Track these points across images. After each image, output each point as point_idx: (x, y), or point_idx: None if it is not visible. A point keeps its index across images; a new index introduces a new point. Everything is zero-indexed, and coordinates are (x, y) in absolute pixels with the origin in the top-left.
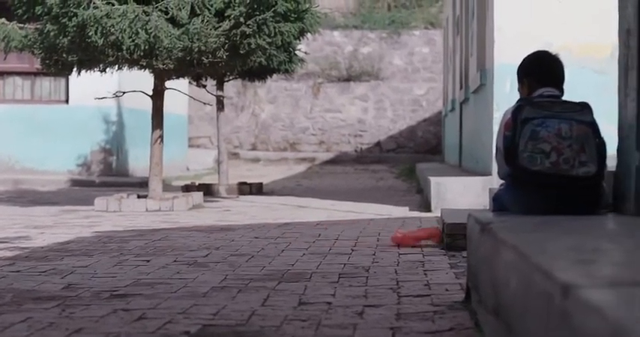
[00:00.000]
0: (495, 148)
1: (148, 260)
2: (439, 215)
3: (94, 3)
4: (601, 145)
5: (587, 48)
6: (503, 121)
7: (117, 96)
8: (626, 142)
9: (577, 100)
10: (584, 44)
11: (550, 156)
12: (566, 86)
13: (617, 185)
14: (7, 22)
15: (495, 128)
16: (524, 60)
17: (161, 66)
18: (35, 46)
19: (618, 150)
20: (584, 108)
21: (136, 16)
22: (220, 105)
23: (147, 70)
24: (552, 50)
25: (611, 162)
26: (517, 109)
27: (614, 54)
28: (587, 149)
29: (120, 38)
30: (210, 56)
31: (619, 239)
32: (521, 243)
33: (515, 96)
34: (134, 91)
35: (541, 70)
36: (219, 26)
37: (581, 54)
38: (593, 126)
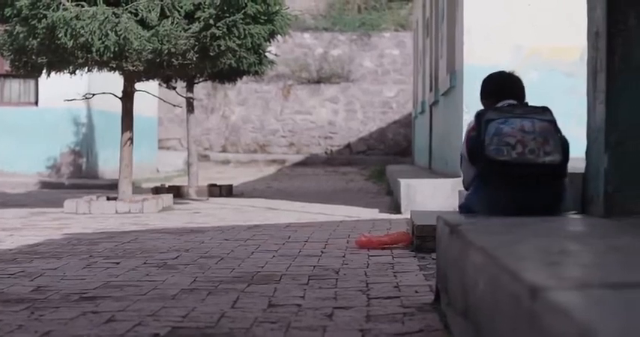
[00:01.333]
0: (461, 156)
1: (118, 263)
2: (409, 217)
3: (63, 5)
4: (564, 140)
5: (557, 50)
6: (468, 130)
7: (86, 98)
8: (594, 145)
9: (546, 103)
10: (553, 47)
11: (516, 147)
12: (536, 88)
13: (586, 187)
14: None
15: (465, 130)
16: (482, 84)
17: (131, 68)
18: (4, 48)
19: (587, 153)
20: (545, 110)
21: (106, 18)
22: (190, 107)
23: (116, 71)
24: (522, 53)
25: (580, 164)
26: (480, 114)
27: (583, 57)
28: (551, 141)
29: (89, 40)
30: (180, 58)
31: (587, 241)
32: (490, 245)
33: None
34: (104, 93)
35: (499, 90)
36: (189, 28)
37: (550, 56)
38: (555, 125)
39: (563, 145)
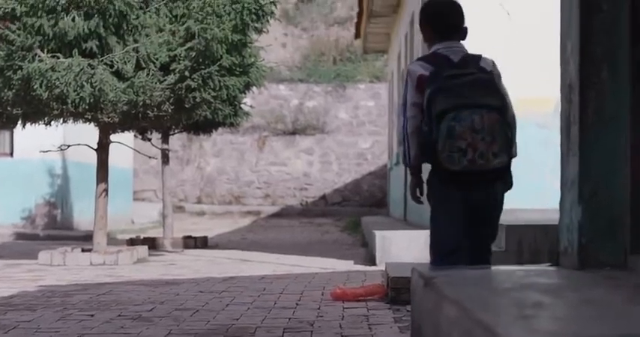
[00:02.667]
0: (405, 102)
1: (92, 315)
2: (384, 269)
3: (39, 56)
4: (510, 128)
5: (531, 102)
6: (413, 79)
7: (62, 149)
8: (568, 196)
9: (520, 154)
10: (527, 98)
11: (467, 153)
12: None
13: (560, 239)
14: None
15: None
16: (427, 14)
17: (106, 119)
18: None
19: (561, 204)
20: (489, 88)
21: (81, 70)
22: (165, 158)
23: (92, 123)
24: None
25: (554, 216)
26: (430, 97)
27: (557, 108)
28: (498, 139)
29: (65, 91)
30: (155, 109)
31: (561, 293)
32: (464, 298)
33: None
34: (79, 145)
35: (441, 25)
36: (165, 80)
37: (524, 108)
38: (501, 111)
39: (510, 138)
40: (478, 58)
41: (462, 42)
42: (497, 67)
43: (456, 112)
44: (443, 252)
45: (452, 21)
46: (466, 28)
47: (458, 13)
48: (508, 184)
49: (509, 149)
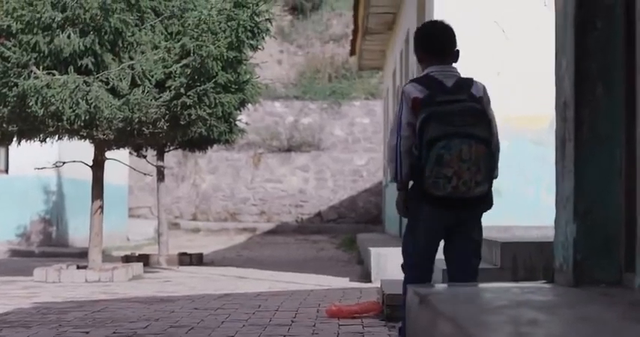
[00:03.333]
0: (400, 122)
1: (87, 332)
2: (379, 286)
3: (34, 73)
4: (494, 156)
5: (526, 119)
6: (408, 100)
7: (57, 166)
8: (563, 213)
9: (516, 171)
10: (522, 115)
11: (451, 180)
12: (506, 157)
13: (555, 256)
14: None
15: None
16: (421, 38)
17: (101, 136)
18: None
19: (556, 221)
20: (478, 117)
21: (77, 87)
22: (161, 175)
23: (87, 140)
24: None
25: (550, 233)
26: (422, 124)
27: (552, 125)
28: (483, 168)
29: (60, 108)
30: (150, 126)
31: (557, 310)
32: (459, 316)
33: None
34: (74, 161)
35: (433, 46)
36: (160, 97)
37: (519, 125)
38: (487, 143)
39: (493, 165)
40: (470, 83)
41: (454, 65)
42: (488, 93)
43: (446, 141)
44: (409, 263)
45: (442, 45)
46: (458, 51)
47: (450, 36)
48: (488, 204)
49: (490, 177)
